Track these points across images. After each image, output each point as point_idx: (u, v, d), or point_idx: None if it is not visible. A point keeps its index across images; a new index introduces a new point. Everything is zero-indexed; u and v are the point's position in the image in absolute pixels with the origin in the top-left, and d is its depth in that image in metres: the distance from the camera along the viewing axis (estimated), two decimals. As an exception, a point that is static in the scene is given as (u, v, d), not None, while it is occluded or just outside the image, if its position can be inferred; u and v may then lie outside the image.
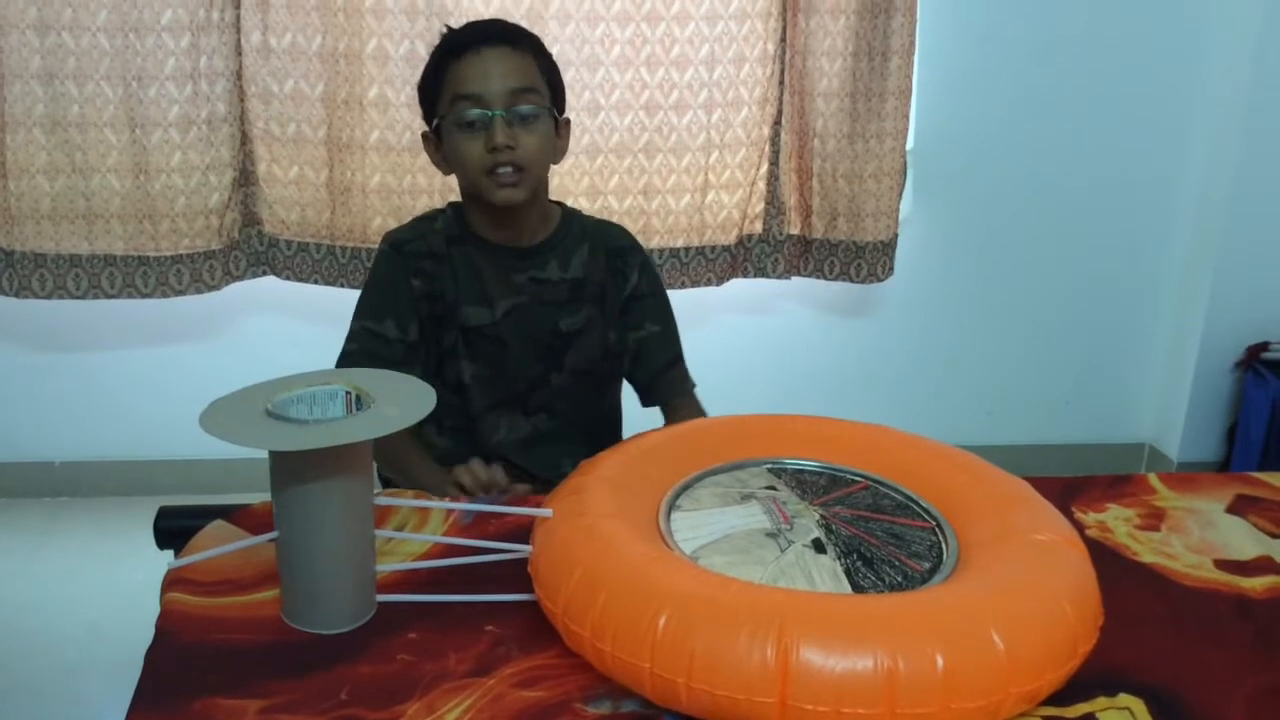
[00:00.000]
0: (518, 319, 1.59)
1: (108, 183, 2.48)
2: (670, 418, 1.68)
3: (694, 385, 1.72)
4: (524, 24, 1.62)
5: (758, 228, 2.75)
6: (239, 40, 2.46)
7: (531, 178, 1.52)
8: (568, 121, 1.59)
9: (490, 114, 1.47)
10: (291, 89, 2.49)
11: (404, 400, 1.09)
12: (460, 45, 1.50)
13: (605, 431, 1.74)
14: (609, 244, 1.66)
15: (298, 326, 2.73)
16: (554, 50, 1.61)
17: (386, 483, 1.66)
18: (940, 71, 2.75)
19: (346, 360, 1.55)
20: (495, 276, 1.58)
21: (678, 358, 1.71)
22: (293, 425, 1.02)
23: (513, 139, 1.47)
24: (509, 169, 1.48)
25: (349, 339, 1.57)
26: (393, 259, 1.58)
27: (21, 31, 2.37)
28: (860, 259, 2.74)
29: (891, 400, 2.97)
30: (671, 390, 1.70)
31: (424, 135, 1.59)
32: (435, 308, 1.58)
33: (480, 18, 1.64)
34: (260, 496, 1.24)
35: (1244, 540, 1.35)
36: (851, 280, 2.76)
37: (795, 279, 2.80)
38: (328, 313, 2.67)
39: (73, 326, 2.71)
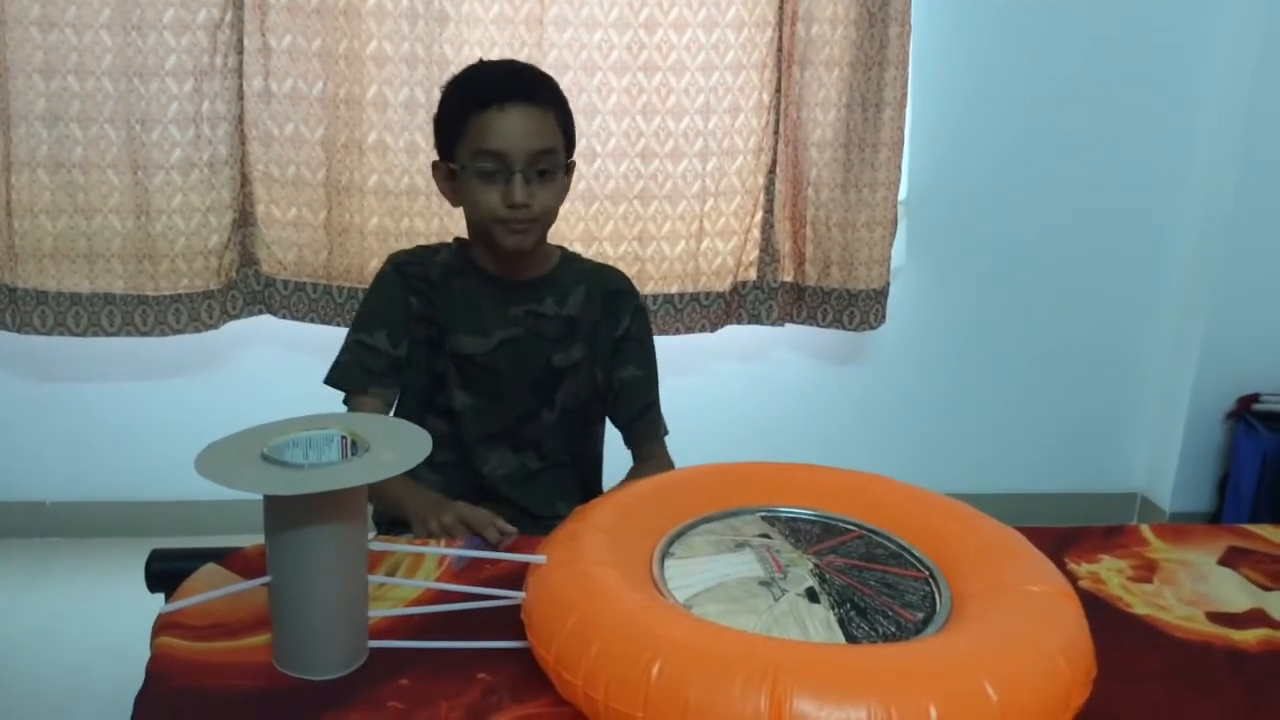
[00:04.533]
0: (512, 350, 1.62)
1: (109, 223, 2.50)
2: (639, 462, 1.72)
3: (666, 433, 1.74)
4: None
5: (752, 274, 2.77)
6: (241, 85, 2.49)
7: (541, 226, 1.58)
8: (573, 163, 1.63)
9: (511, 171, 1.50)
10: (292, 132, 2.52)
11: (400, 445, 1.09)
12: (485, 98, 1.51)
13: (589, 471, 1.77)
14: (606, 286, 1.70)
15: (294, 363, 2.73)
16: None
17: (394, 525, 1.66)
18: (933, 123, 2.78)
19: (337, 370, 1.60)
20: (492, 307, 1.61)
21: (653, 404, 1.73)
22: (288, 470, 1.02)
23: (530, 195, 1.52)
24: (523, 220, 1.53)
25: (342, 350, 1.61)
26: (392, 277, 1.62)
27: (28, 75, 2.40)
28: (853, 306, 2.76)
29: (884, 448, 2.97)
30: (645, 435, 1.72)
31: (434, 164, 1.62)
32: (430, 331, 1.61)
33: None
34: (255, 538, 1.24)
35: (1236, 593, 1.35)
36: (844, 328, 2.78)
37: (788, 325, 2.82)
38: (324, 349, 2.68)
39: (67, 364, 2.71)
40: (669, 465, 1.71)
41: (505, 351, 1.61)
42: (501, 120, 1.50)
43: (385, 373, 1.59)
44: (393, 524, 1.63)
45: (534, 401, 1.65)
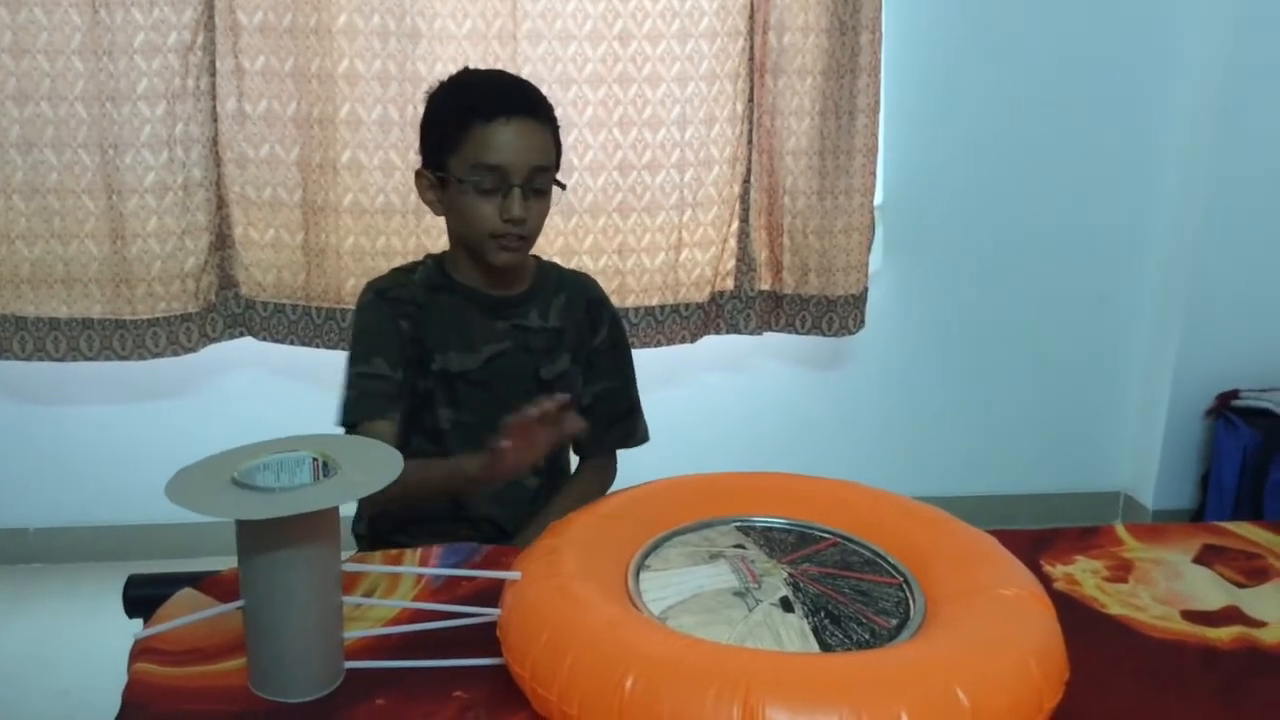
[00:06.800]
0: (502, 365, 1.60)
1: (85, 248, 2.49)
2: (586, 468, 1.71)
3: (647, 439, 1.72)
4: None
5: (729, 284, 2.77)
6: (214, 107, 2.49)
7: (531, 243, 1.57)
8: (562, 183, 1.62)
9: (510, 185, 1.49)
10: (267, 154, 2.51)
11: (370, 465, 1.09)
12: (489, 110, 1.49)
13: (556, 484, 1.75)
14: (587, 294, 1.69)
15: (274, 386, 2.73)
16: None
17: (374, 543, 1.66)
18: (906, 129, 2.80)
19: (350, 407, 1.54)
20: (479, 322, 1.60)
21: (628, 411, 1.71)
22: (258, 494, 1.02)
23: (525, 209, 1.50)
24: (515, 238, 1.52)
25: (347, 387, 1.56)
26: (378, 304, 1.59)
27: (1, 102, 2.39)
28: (832, 312, 2.76)
29: (867, 453, 2.98)
30: (616, 441, 1.71)
31: (418, 173, 1.59)
32: (416, 352, 1.59)
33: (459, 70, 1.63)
34: (235, 560, 1.24)
35: (1210, 591, 1.36)
36: (823, 334, 2.78)
37: (767, 334, 2.82)
38: (304, 372, 2.69)
39: (48, 391, 2.70)
40: (610, 477, 1.71)
41: (495, 367, 1.60)
42: (504, 133, 1.48)
43: (395, 396, 1.55)
44: (383, 540, 1.63)
45: None
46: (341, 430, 1.53)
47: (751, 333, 2.80)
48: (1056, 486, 3.12)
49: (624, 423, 1.71)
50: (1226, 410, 2.88)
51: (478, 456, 1.38)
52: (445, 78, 1.61)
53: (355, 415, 1.53)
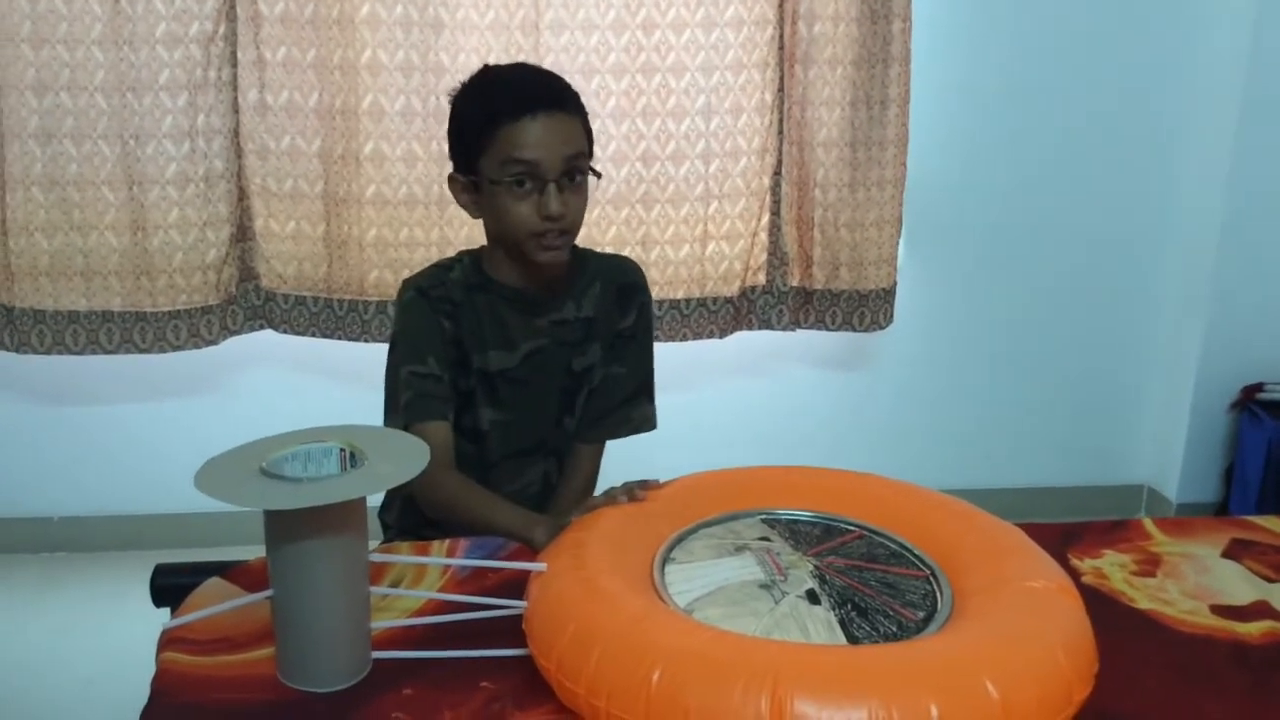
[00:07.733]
0: (539, 361, 1.59)
1: (105, 240, 2.50)
2: (576, 458, 1.67)
3: (653, 427, 1.69)
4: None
5: (760, 279, 2.75)
6: (236, 98, 2.49)
7: (573, 237, 1.54)
8: (598, 172, 1.59)
9: (544, 181, 1.46)
10: (288, 145, 2.52)
11: (398, 457, 1.09)
12: (515, 108, 1.45)
13: None
14: (620, 279, 1.66)
15: (295, 379, 2.74)
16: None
17: (402, 534, 1.66)
18: (931, 121, 2.78)
19: (410, 410, 1.51)
20: (517, 320, 1.58)
21: (630, 400, 1.67)
22: (287, 484, 1.02)
23: (563, 204, 1.47)
24: (557, 233, 1.49)
25: (403, 388, 1.53)
26: (420, 303, 1.56)
27: (20, 92, 2.40)
28: (863, 307, 2.75)
29: (890, 447, 2.97)
30: (613, 430, 1.67)
31: (451, 178, 1.56)
32: (456, 352, 1.57)
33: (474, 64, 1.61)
34: (260, 550, 1.24)
35: (1240, 585, 1.35)
36: (854, 329, 2.76)
37: (797, 331, 2.80)
38: (325, 365, 2.69)
39: (71, 382, 2.71)
40: (594, 474, 1.68)
41: (533, 364, 1.59)
42: (534, 129, 1.44)
43: (449, 397, 1.54)
44: (412, 533, 1.63)
45: (559, 411, 1.63)
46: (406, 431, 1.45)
47: (784, 329, 2.78)
48: (1080, 480, 3.11)
49: (618, 413, 1.66)
50: (1251, 403, 2.86)
51: (548, 526, 1.33)
52: (466, 77, 1.56)
53: (415, 416, 1.50)
